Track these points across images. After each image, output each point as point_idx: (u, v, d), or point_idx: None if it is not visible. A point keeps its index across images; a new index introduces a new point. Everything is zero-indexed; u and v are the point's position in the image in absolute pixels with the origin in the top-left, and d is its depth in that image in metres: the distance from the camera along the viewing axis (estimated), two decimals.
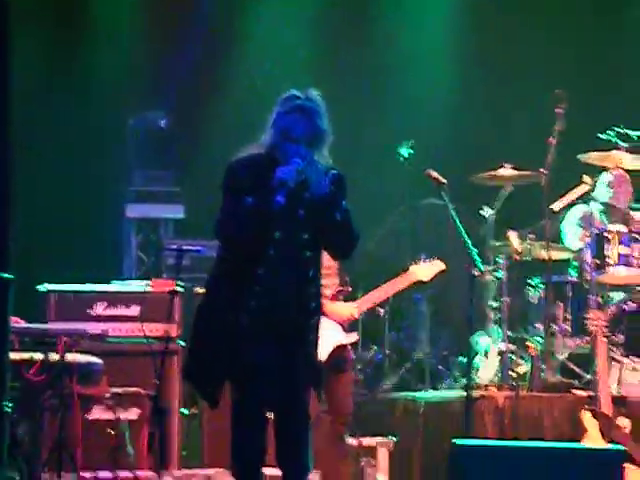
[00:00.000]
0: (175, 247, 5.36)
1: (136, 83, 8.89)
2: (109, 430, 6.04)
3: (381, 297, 6.20)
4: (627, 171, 7.62)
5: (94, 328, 6.17)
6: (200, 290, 6.33)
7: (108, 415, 6.16)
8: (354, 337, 6.12)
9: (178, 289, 6.24)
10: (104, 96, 8.77)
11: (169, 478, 6.18)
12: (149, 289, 6.64)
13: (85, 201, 8.68)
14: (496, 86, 9.10)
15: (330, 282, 6.02)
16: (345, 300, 6.12)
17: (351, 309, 6.03)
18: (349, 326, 6.09)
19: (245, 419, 4.71)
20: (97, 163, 8.76)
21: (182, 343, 6.57)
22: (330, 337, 5.99)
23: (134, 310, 6.61)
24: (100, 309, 6.60)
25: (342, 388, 6.05)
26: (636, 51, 9.11)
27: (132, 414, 6.24)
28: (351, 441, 6.38)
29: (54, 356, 5.64)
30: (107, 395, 5.98)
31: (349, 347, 6.13)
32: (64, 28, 8.86)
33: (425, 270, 6.24)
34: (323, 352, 5.91)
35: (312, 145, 4.74)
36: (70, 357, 5.70)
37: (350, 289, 6.15)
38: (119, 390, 6.12)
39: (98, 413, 6.19)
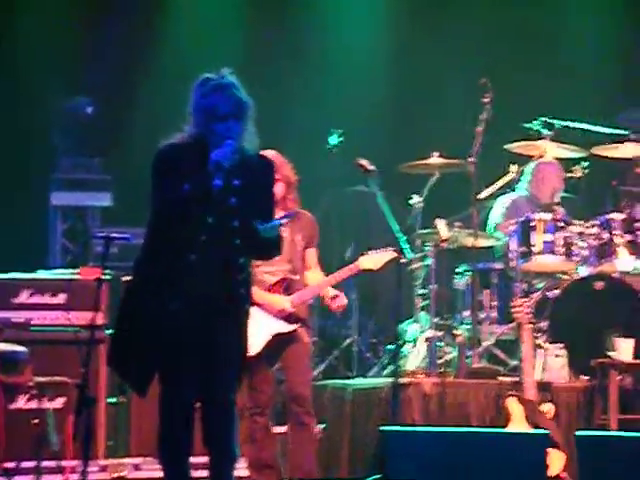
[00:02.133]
0: (103, 235, 5.30)
1: (62, 67, 8.78)
2: (33, 420, 5.97)
3: (322, 289, 6.17)
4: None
5: (18, 316, 6.10)
6: (128, 278, 6.29)
7: (32, 404, 6.09)
8: (293, 327, 6.03)
9: (105, 277, 6.18)
10: (29, 81, 8.66)
11: (95, 468, 6.14)
12: (76, 277, 6.58)
13: (10, 188, 8.56)
14: (425, 75, 9.17)
15: (277, 268, 6.01)
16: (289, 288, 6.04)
17: (284, 302, 6.01)
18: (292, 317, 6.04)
19: (172, 407, 4.69)
20: (22, 149, 8.65)
21: (109, 331, 6.51)
22: (267, 326, 5.98)
23: (60, 298, 6.54)
24: (25, 297, 6.51)
25: (293, 374, 6.03)
26: (562, 39, 9.25)
27: (57, 403, 6.18)
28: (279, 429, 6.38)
29: None
30: (31, 384, 5.91)
31: (300, 334, 6.05)
32: None
33: (374, 259, 6.22)
34: (258, 342, 5.91)
35: (239, 118, 4.73)
36: None
37: (296, 278, 6.06)
38: (44, 379, 6.05)
39: (22, 402, 6.12)
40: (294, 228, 6.07)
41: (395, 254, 6.16)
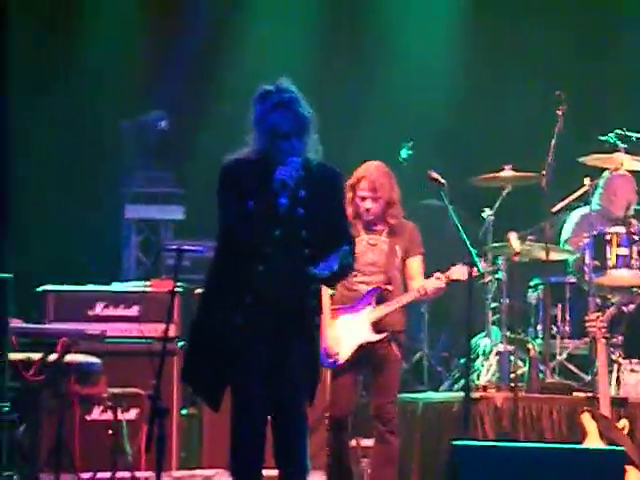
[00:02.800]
0: (175, 247, 5.35)
1: (135, 83, 8.89)
2: (108, 430, 6.04)
3: (408, 300, 6.10)
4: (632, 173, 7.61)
5: (93, 328, 6.18)
6: (200, 290, 6.34)
7: (107, 415, 6.16)
8: (381, 336, 5.95)
9: (177, 289, 6.24)
10: (103, 96, 8.78)
11: (167, 479, 6.19)
12: (148, 289, 6.65)
13: (85, 202, 8.69)
14: (497, 87, 9.11)
15: (373, 279, 5.98)
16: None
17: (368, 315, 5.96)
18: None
19: (243, 420, 4.70)
20: (97, 164, 8.77)
21: (181, 343, 6.57)
22: (354, 335, 5.95)
23: (133, 310, 6.62)
24: (99, 309, 6.60)
25: (379, 391, 5.99)
26: (637, 52, 9.13)
27: (131, 414, 6.25)
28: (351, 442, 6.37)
29: (53, 356, 5.64)
30: (106, 395, 5.98)
31: (390, 347, 5.98)
32: (57, 30, 8.86)
33: (465, 270, 6.10)
34: (345, 351, 5.91)
35: (301, 135, 4.73)
36: (69, 357, 5.70)
37: (390, 288, 5.97)
38: (118, 390, 6.12)
39: (97, 413, 6.20)
40: (394, 238, 6.05)
41: (485, 266, 6.14)
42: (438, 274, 6.08)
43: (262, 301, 4.70)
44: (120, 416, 6.07)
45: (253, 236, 4.67)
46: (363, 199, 6.00)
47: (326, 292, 5.90)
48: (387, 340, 5.99)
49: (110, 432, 6.01)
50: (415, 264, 6.14)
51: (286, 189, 4.65)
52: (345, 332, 5.95)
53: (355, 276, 5.89)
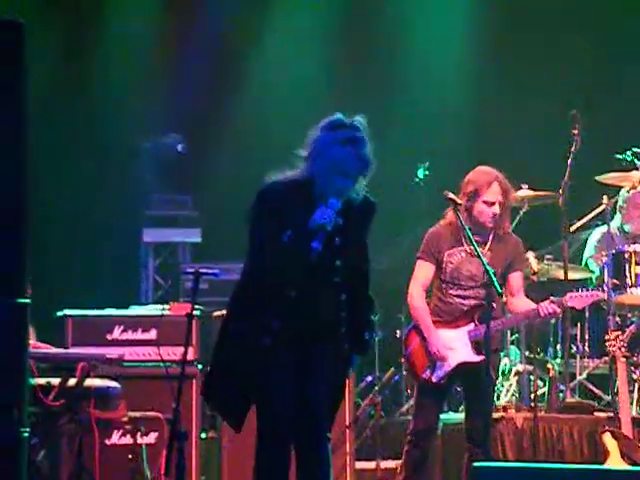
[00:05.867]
0: (192, 270, 5.36)
1: (151, 106, 8.94)
2: (127, 455, 6.03)
3: (513, 323, 6.10)
4: None
5: (112, 352, 6.18)
6: (218, 313, 6.35)
7: (126, 440, 6.16)
8: (480, 357, 5.79)
9: (195, 312, 6.24)
10: (120, 118, 8.83)
11: None
12: (166, 313, 6.66)
13: (103, 226, 8.72)
14: (512, 106, 9.12)
15: (472, 293, 5.91)
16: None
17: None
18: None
19: (269, 443, 4.68)
20: (115, 187, 8.81)
21: (200, 367, 6.57)
22: (453, 353, 5.90)
23: (152, 334, 6.62)
24: (118, 333, 6.62)
25: (474, 413, 5.89)
26: None
27: (150, 438, 6.24)
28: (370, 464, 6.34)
29: (72, 381, 5.65)
30: (125, 419, 5.98)
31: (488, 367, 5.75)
32: (74, 51, 8.92)
33: (581, 299, 6.09)
34: (444, 368, 5.86)
35: (358, 177, 4.66)
36: (88, 382, 5.70)
37: (492, 307, 5.70)
38: (137, 414, 6.12)
39: (116, 438, 6.19)
40: (497, 250, 5.96)
41: (602, 296, 6.07)
42: (553, 298, 5.92)
43: (291, 326, 4.66)
44: (140, 440, 6.07)
45: (286, 261, 4.61)
46: (492, 204, 5.89)
47: (423, 298, 5.87)
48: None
49: (130, 456, 6.00)
50: (517, 279, 6.05)
51: (322, 232, 4.57)
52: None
53: (451, 288, 5.86)
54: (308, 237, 4.57)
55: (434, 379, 5.86)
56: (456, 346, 5.86)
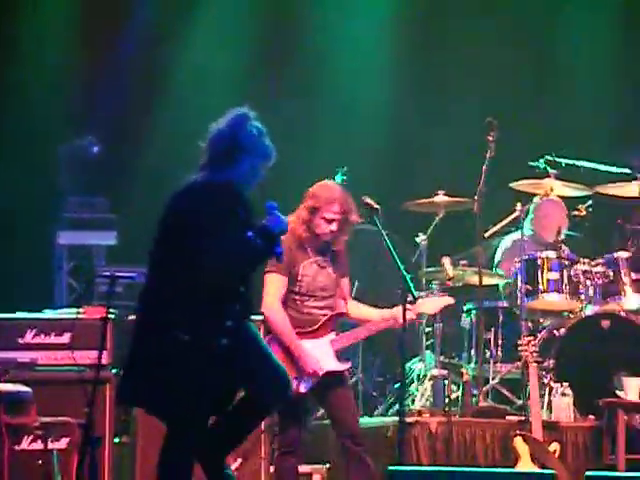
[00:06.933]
0: (107, 274, 5.30)
1: (67, 108, 8.83)
2: (38, 460, 5.93)
3: (369, 333, 6.08)
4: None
5: (23, 356, 6.08)
6: (133, 317, 6.27)
7: (37, 445, 6.06)
8: (345, 366, 5.94)
9: (110, 316, 6.17)
10: (35, 121, 8.70)
11: None
12: (80, 316, 6.57)
13: (16, 227, 8.58)
14: (430, 113, 9.20)
15: (325, 304, 5.94)
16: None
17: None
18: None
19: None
20: (28, 188, 8.68)
21: (114, 371, 6.49)
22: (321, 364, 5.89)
23: (65, 338, 6.52)
24: (30, 337, 6.50)
25: (346, 413, 5.89)
26: (566, 80, 9.29)
27: (62, 444, 6.15)
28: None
29: None
30: (36, 424, 5.88)
31: (346, 373, 5.99)
32: None
33: (432, 304, 6.21)
34: (312, 378, 5.82)
35: None
36: None
37: (349, 315, 5.99)
38: (49, 419, 6.02)
39: (27, 443, 6.09)
40: (335, 262, 6.00)
41: (452, 300, 6.15)
42: (408, 305, 5.91)
43: (240, 323, 4.71)
44: (51, 445, 5.97)
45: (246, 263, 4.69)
46: (331, 221, 5.92)
47: (283, 312, 5.87)
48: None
49: (40, 462, 5.90)
50: (347, 284, 6.16)
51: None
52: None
53: (307, 300, 5.88)
54: (270, 240, 4.67)
55: (302, 389, 5.86)
56: (320, 356, 5.88)
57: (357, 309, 6.13)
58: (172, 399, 4.64)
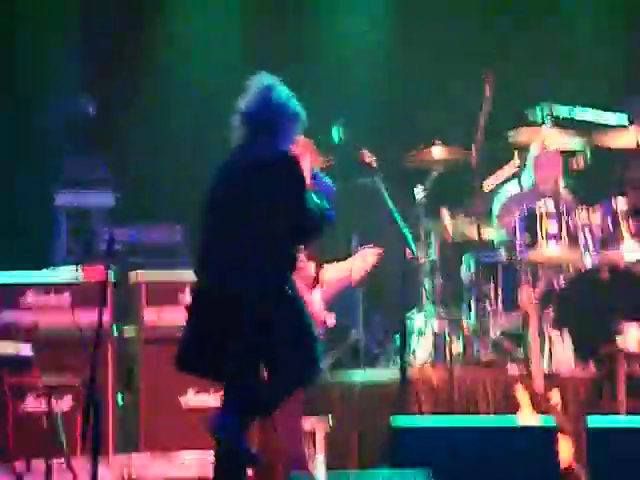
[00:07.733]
0: (106, 234, 5.31)
1: (62, 68, 8.79)
2: (42, 421, 5.97)
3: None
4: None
5: (24, 318, 6.10)
6: (134, 274, 6.26)
7: (41, 405, 6.09)
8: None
9: (110, 275, 6.18)
10: (30, 81, 8.66)
11: (104, 465, 6.14)
12: (80, 276, 6.58)
13: (14, 189, 8.58)
14: (426, 65, 9.14)
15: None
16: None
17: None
18: None
19: None
20: (26, 150, 8.66)
21: (115, 330, 6.52)
22: None
23: (65, 298, 6.54)
24: (30, 298, 6.52)
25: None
26: (561, 31, 9.23)
27: (65, 403, 6.19)
28: None
29: None
30: (39, 385, 5.91)
31: None
32: None
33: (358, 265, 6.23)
34: None
35: None
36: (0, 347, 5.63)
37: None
38: (51, 379, 6.05)
39: (30, 403, 6.12)
40: None
41: (375, 250, 6.18)
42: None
43: None
44: (54, 406, 6.01)
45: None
46: None
47: None
48: None
49: (44, 422, 5.94)
50: None
51: None
52: None
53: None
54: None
55: None
56: None
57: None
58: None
